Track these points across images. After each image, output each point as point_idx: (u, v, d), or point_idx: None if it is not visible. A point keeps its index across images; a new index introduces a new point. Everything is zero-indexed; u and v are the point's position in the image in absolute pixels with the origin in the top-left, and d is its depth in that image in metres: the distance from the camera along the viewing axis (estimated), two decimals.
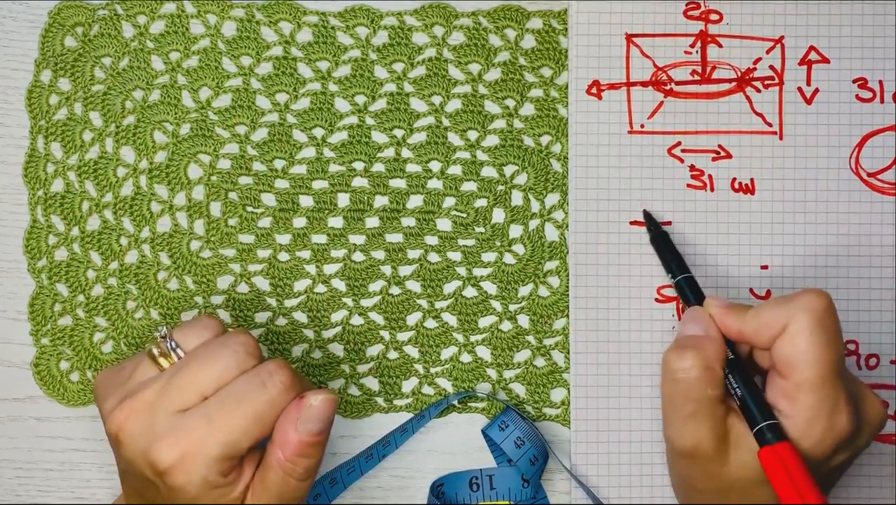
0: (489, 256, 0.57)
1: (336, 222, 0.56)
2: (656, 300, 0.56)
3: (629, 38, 0.56)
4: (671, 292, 0.56)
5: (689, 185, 0.56)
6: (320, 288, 0.56)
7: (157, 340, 0.48)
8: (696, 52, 0.56)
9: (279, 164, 0.56)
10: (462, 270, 0.57)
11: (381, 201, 0.57)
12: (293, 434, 0.46)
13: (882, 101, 0.56)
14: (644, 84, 0.56)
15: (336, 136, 0.56)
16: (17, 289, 0.56)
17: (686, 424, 0.47)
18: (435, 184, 0.57)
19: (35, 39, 0.56)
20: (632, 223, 0.56)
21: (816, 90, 0.56)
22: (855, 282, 0.56)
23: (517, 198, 0.57)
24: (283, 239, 0.56)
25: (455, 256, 0.57)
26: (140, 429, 0.46)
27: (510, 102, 0.57)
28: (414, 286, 0.57)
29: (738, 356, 0.49)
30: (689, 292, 0.52)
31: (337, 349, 0.56)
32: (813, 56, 0.56)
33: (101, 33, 0.56)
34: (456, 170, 0.57)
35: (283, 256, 0.56)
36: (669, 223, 0.56)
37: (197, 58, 0.56)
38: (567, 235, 0.57)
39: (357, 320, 0.56)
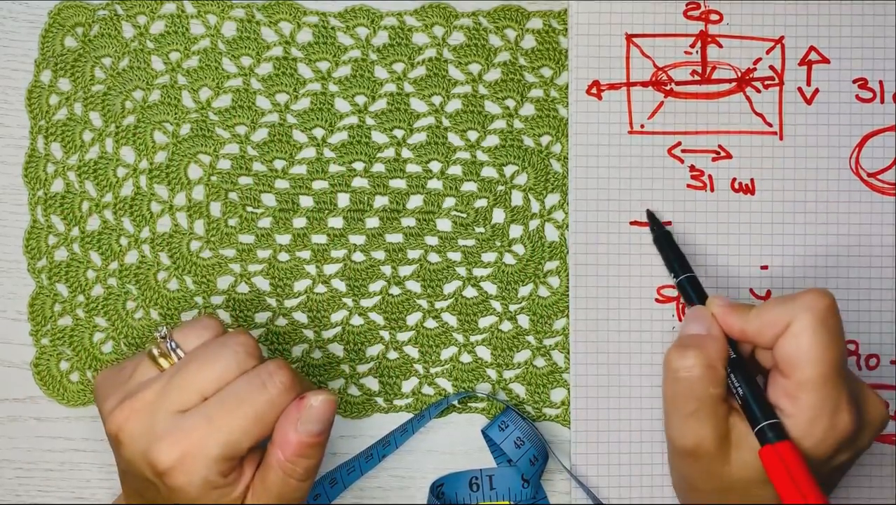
0: (489, 257, 0.57)
1: (336, 222, 0.56)
2: (656, 300, 0.56)
3: (629, 38, 0.56)
4: (671, 293, 0.56)
5: (689, 186, 0.56)
6: (320, 288, 0.56)
7: (157, 341, 0.48)
8: (697, 52, 0.56)
9: (279, 164, 0.56)
10: (462, 271, 0.57)
11: (381, 201, 0.57)
12: (293, 435, 0.46)
13: (882, 101, 0.56)
14: (644, 84, 0.56)
15: (336, 137, 0.56)
16: (17, 289, 0.56)
17: (688, 423, 0.47)
18: (435, 184, 0.57)
19: (35, 39, 0.56)
20: (632, 223, 0.56)
21: (816, 90, 0.56)
22: (855, 282, 0.56)
23: (517, 198, 0.57)
24: (283, 239, 0.56)
25: (455, 256, 0.57)
26: (140, 429, 0.46)
27: (510, 103, 0.57)
28: (414, 286, 0.57)
29: (740, 356, 0.49)
30: (691, 292, 0.52)
31: (337, 349, 0.56)
32: (813, 56, 0.56)
33: (101, 33, 0.56)
34: (456, 170, 0.57)
35: (283, 257, 0.56)
36: (670, 223, 0.56)
37: (197, 58, 0.56)
38: (567, 235, 0.57)
39: (357, 320, 0.56)
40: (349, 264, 0.56)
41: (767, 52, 0.56)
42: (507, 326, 0.57)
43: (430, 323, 0.57)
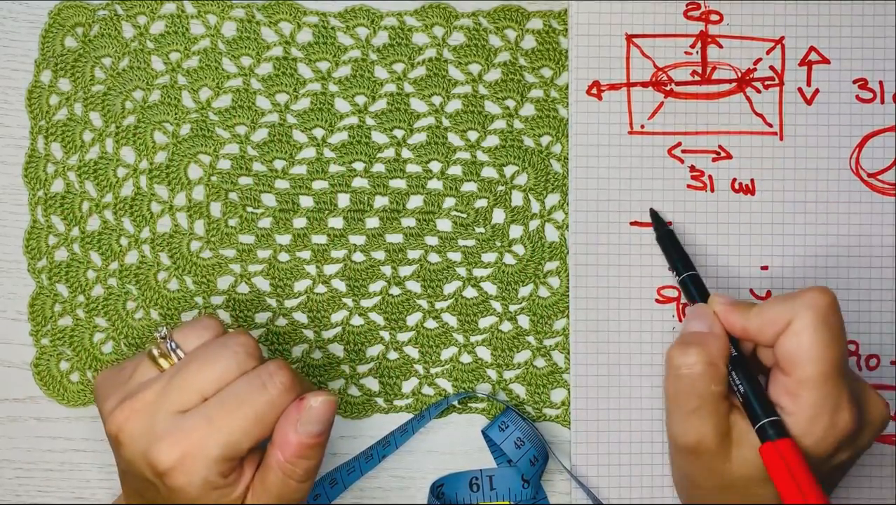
0: (489, 257, 0.57)
1: (336, 223, 0.56)
2: (656, 301, 0.56)
3: (629, 38, 0.56)
4: (671, 293, 0.56)
5: (689, 186, 0.56)
6: (320, 288, 0.56)
7: (157, 341, 0.48)
8: (697, 52, 0.56)
9: (279, 164, 0.56)
10: (462, 271, 0.57)
11: (381, 202, 0.57)
12: (293, 435, 0.46)
13: (882, 101, 0.56)
14: (644, 84, 0.56)
15: (336, 137, 0.56)
16: (17, 289, 0.56)
17: (689, 420, 0.48)
18: (435, 184, 0.57)
19: (35, 39, 0.56)
20: (632, 224, 0.56)
21: (817, 91, 0.56)
22: (855, 282, 0.56)
23: (517, 198, 0.57)
24: (284, 239, 0.56)
25: (455, 256, 0.57)
26: (140, 429, 0.46)
27: (510, 103, 0.57)
28: (414, 287, 0.57)
29: (741, 353, 0.49)
30: (694, 290, 0.52)
31: (337, 350, 0.56)
32: (813, 56, 0.56)
33: (101, 34, 0.56)
34: (456, 170, 0.57)
35: (284, 257, 0.56)
36: (670, 223, 0.56)
37: (197, 58, 0.56)
38: (567, 236, 0.57)
39: (357, 321, 0.56)
40: (349, 264, 0.56)
41: (767, 53, 0.56)
42: (507, 326, 0.57)
43: (431, 323, 0.57)
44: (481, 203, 0.57)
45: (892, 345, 0.56)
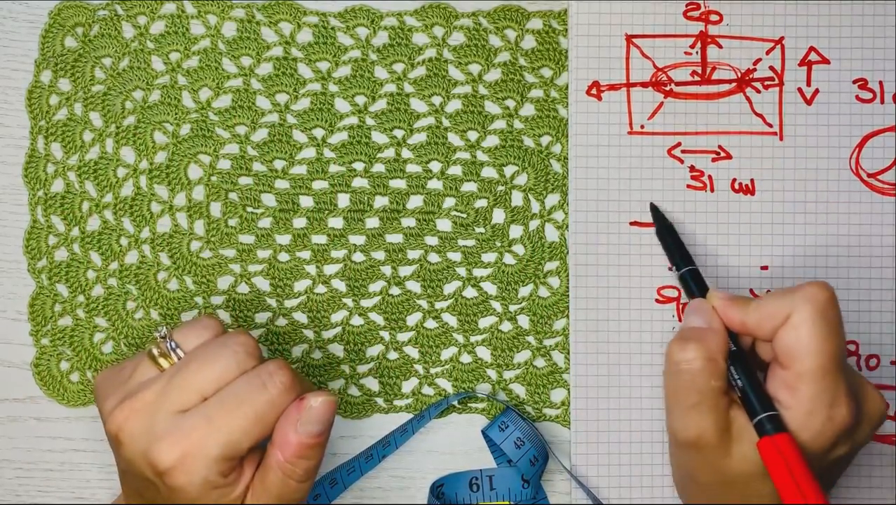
0: (489, 257, 0.57)
1: (336, 223, 0.56)
2: (656, 301, 0.56)
3: (629, 38, 0.56)
4: (671, 293, 0.56)
5: (689, 186, 0.56)
6: (320, 288, 0.56)
7: (156, 341, 0.48)
8: (696, 52, 0.56)
9: (279, 164, 0.56)
10: (462, 271, 0.57)
11: (381, 202, 0.57)
12: (293, 435, 0.46)
13: (882, 101, 0.56)
14: (644, 85, 0.56)
15: (336, 137, 0.56)
16: (17, 289, 0.56)
17: (689, 415, 0.48)
18: (435, 184, 0.57)
19: (35, 39, 0.56)
20: (632, 223, 0.56)
21: (816, 91, 0.56)
22: (855, 282, 0.56)
23: (517, 198, 0.57)
24: (284, 239, 0.56)
25: (455, 256, 0.57)
26: (140, 429, 0.46)
27: (510, 103, 0.57)
28: (414, 287, 0.57)
29: (740, 348, 0.49)
30: (693, 285, 0.52)
31: (337, 350, 0.56)
32: (813, 57, 0.56)
33: (102, 34, 0.56)
34: (456, 170, 0.57)
35: (284, 257, 0.56)
36: (670, 224, 0.56)
37: (197, 58, 0.56)
38: (567, 236, 0.57)
39: (357, 321, 0.56)
40: (349, 264, 0.56)
41: (767, 53, 0.56)
42: (507, 326, 0.57)
43: (430, 323, 0.57)
44: (481, 203, 0.57)
45: (892, 345, 0.56)
